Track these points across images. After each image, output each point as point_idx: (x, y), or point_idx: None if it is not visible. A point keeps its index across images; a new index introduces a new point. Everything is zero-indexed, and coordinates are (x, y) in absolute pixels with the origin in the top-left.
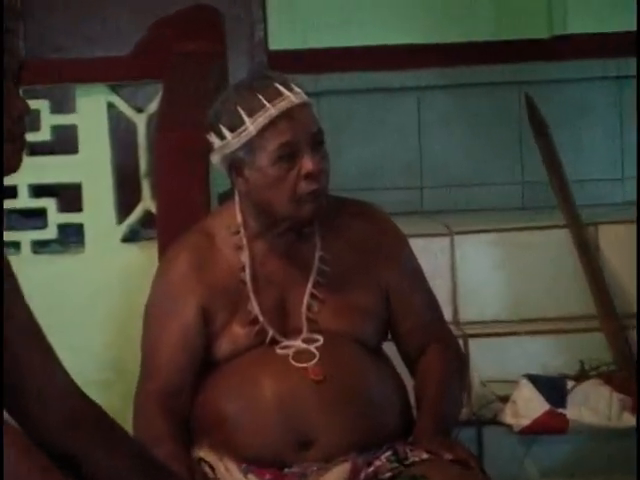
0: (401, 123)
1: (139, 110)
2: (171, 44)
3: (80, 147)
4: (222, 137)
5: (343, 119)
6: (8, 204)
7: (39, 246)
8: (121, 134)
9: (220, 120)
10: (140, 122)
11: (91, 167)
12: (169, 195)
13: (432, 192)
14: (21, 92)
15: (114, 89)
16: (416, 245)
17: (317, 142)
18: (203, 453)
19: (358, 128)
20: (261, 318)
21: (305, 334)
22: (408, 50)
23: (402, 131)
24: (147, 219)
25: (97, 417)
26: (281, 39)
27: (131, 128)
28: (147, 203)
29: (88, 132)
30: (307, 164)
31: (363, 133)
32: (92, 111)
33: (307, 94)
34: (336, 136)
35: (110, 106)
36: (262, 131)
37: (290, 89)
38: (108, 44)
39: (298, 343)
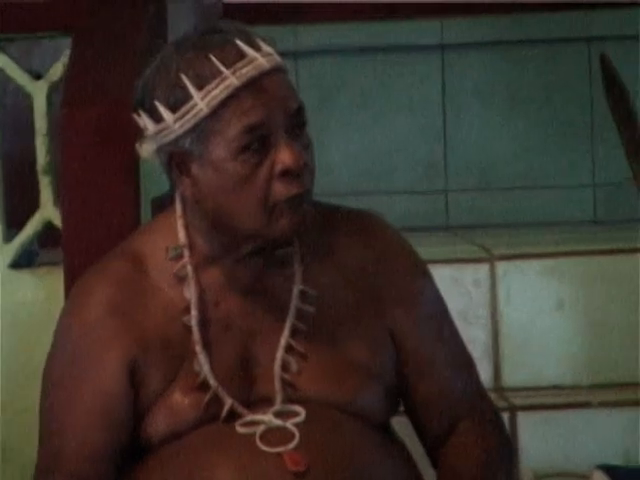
0: (417, 97)
1: (37, 76)
2: None
3: None
4: (158, 119)
5: (332, 91)
6: None
7: None
8: (10, 111)
9: (155, 94)
10: (38, 94)
11: None
12: (80, 201)
13: (462, 198)
14: None
15: None
16: (440, 276)
17: (297, 125)
18: None
19: (354, 104)
20: (213, 382)
21: (279, 405)
22: None
23: (419, 108)
24: (48, 235)
25: None
26: None
27: (25, 102)
28: (48, 212)
29: None
30: (284, 157)
31: (361, 111)
32: None
33: (281, 55)
34: (322, 115)
35: None
36: (218, 110)
37: (257, 48)
38: None
39: (269, 418)
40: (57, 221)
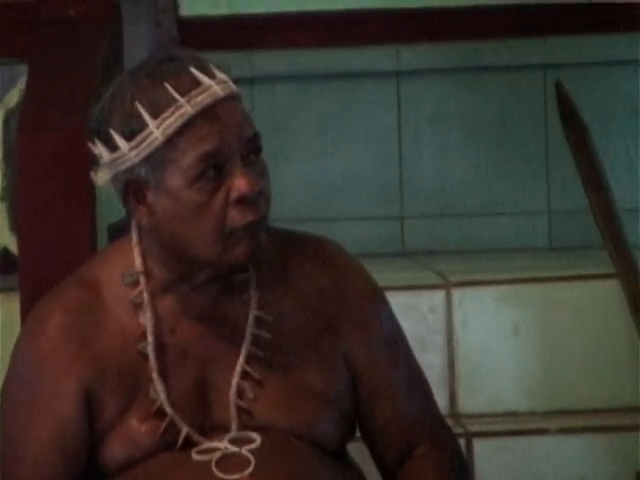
0: (373, 123)
1: None
2: (39, 7)
3: None
4: (113, 147)
5: (288, 117)
6: None
7: None
8: None
9: (110, 122)
10: None
11: None
12: (36, 227)
13: (418, 224)
14: None
15: None
16: (396, 302)
17: (252, 152)
18: None
19: (309, 130)
20: (169, 409)
21: (235, 432)
22: (382, 18)
23: (375, 135)
24: (4, 261)
25: None
26: (197, 1)
27: None
28: (4, 238)
29: None
30: (239, 184)
31: (317, 137)
32: None
33: (237, 81)
34: (278, 142)
35: None
36: (173, 138)
37: (212, 76)
38: None
39: (225, 445)
40: (13, 247)
